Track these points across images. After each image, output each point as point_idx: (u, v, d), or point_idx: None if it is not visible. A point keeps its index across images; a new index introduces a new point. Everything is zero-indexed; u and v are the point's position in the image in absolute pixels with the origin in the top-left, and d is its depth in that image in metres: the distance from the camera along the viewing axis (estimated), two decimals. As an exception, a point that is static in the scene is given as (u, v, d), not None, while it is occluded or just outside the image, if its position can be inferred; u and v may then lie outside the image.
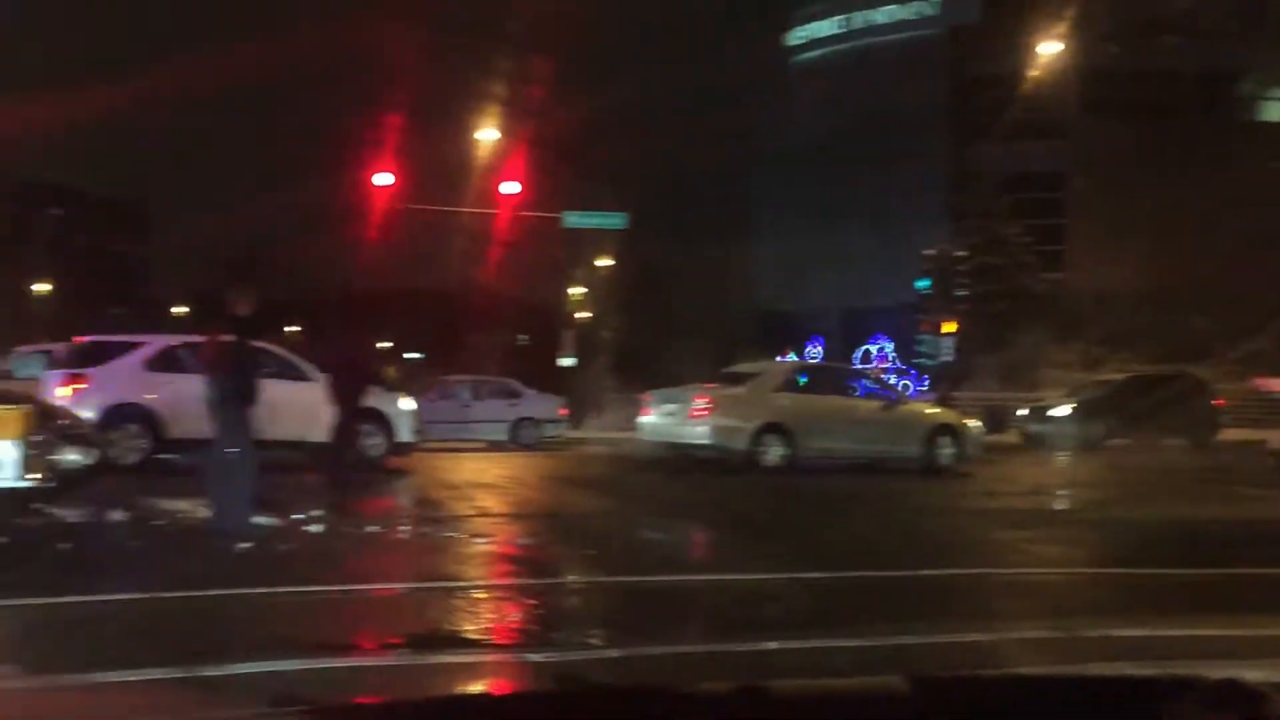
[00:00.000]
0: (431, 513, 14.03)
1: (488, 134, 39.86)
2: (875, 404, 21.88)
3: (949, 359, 36.27)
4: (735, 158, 50.63)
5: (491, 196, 37.56)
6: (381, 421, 19.56)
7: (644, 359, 43.80)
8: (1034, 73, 44.80)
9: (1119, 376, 33.39)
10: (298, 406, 18.39)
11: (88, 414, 17.16)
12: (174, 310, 71.18)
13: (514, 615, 8.43)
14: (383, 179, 34.92)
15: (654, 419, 22.21)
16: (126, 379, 18.89)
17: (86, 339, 20.61)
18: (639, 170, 44.18)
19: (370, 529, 12.09)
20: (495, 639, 7.70)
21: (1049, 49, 40.69)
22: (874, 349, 47.43)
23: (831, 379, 23.72)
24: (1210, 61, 49.26)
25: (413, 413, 20.21)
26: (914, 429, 21.65)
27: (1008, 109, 47.23)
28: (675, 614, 8.58)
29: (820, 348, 49.34)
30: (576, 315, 46.85)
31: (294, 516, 12.24)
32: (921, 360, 42.27)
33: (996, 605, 9.25)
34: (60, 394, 18.11)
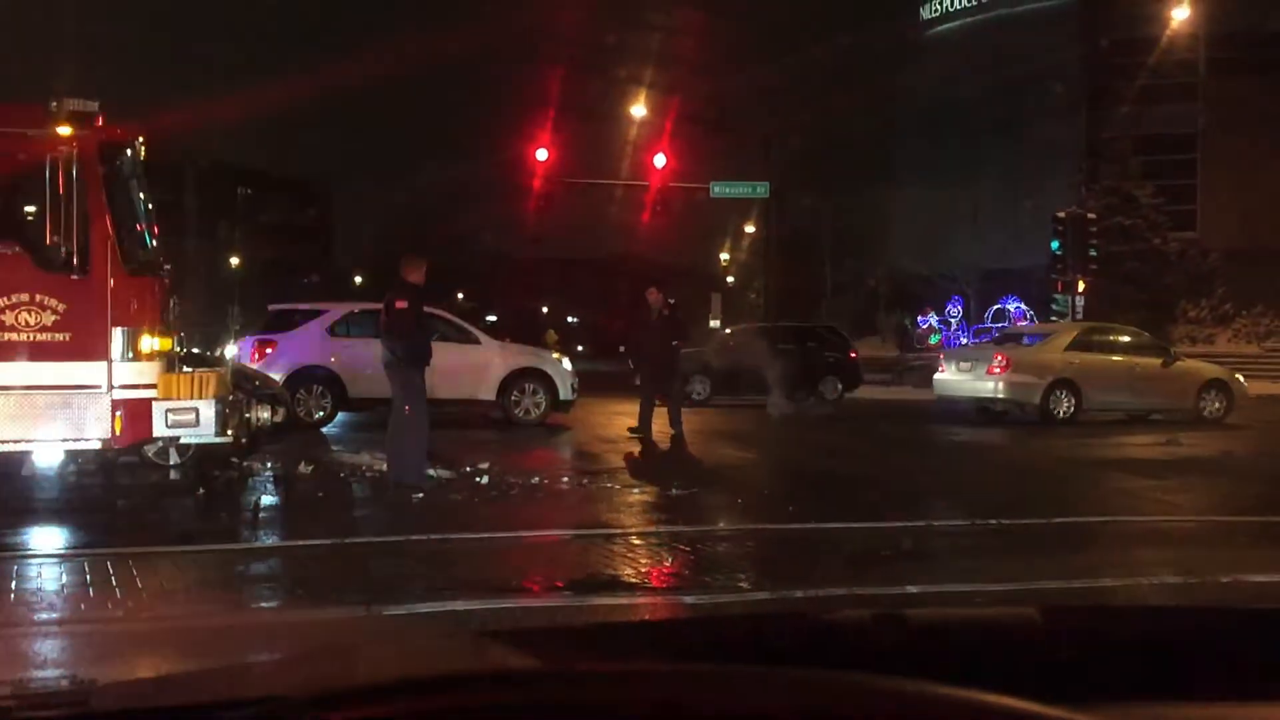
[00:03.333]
0: (591, 465, 14.11)
1: (639, 110, 39.94)
2: (1155, 361, 22.22)
3: (1080, 317, 35.45)
4: (874, 127, 49.96)
5: (643, 169, 37.62)
6: (545, 380, 19.80)
7: (788, 321, 43.58)
8: (1165, 35, 43.52)
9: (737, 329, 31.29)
10: (468, 367, 18.88)
11: (276, 375, 17.78)
12: (356, 280, 72.59)
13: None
14: (542, 154, 35.17)
15: (949, 375, 23.14)
16: (311, 343, 19.26)
17: (276, 306, 21.20)
18: (783, 141, 43.78)
19: (535, 480, 12.22)
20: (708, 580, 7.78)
21: (1180, 13, 39.46)
22: (1010, 308, 46.53)
23: (1110, 338, 23.69)
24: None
25: (571, 371, 20.40)
26: (1188, 384, 22.10)
27: (1139, 72, 46.02)
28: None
29: (959, 308, 48.57)
30: (725, 280, 46.86)
31: (465, 469, 12.46)
32: (1054, 318, 41.36)
33: None
34: (253, 359, 18.73)
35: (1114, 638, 1.68)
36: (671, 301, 17.74)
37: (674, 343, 17.57)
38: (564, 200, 38.89)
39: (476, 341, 19.72)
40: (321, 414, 18.85)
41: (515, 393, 19.46)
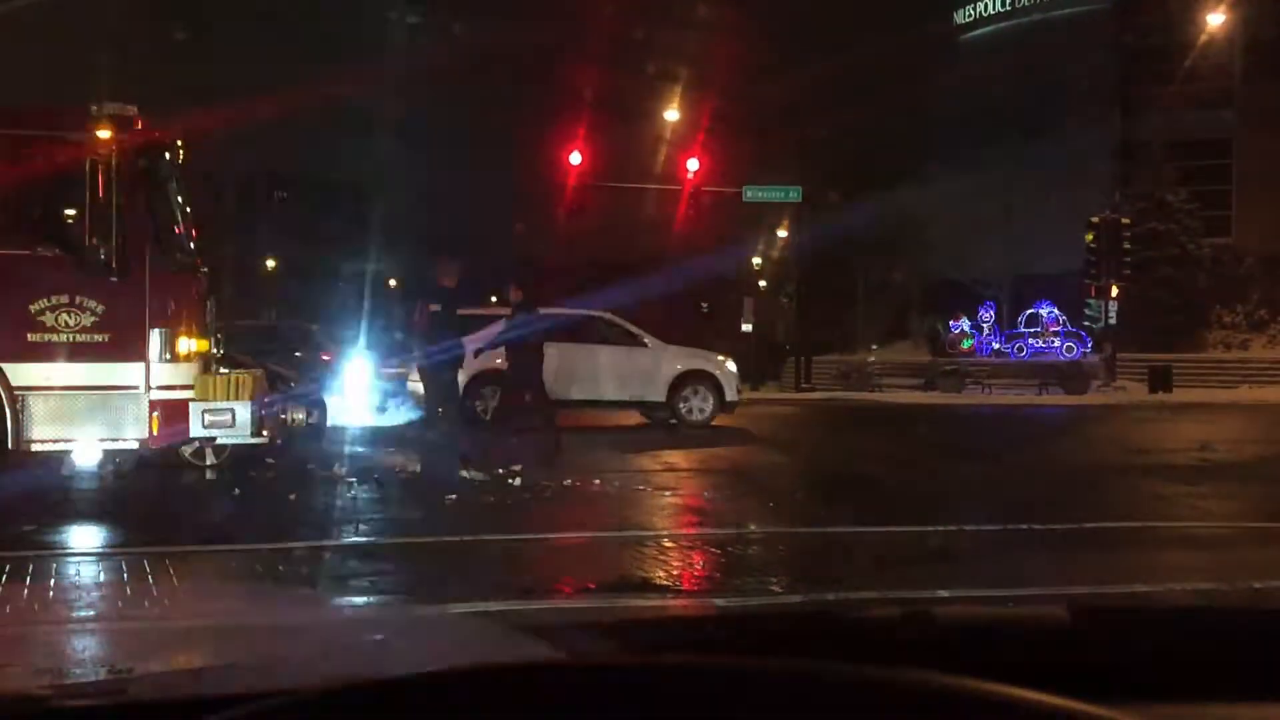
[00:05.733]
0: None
1: (671, 113, 39.97)
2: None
3: (1113, 322, 35.31)
4: (907, 132, 49.76)
5: (676, 173, 37.61)
6: (711, 382, 20.15)
7: (819, 325, 43.54)
8: (1200, 40, 43.23)
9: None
10: (637, 370, 19.75)
11: (462, 376, 18.03)
12: (390, 282, 72.64)
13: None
14: (575, 157, 35.23)
15: None
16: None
17: (465, 310, 21.87)
18: (816, 145, 43.66)
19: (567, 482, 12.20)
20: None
21: (1215, 18, 39.20)
22: (1043, 313, 46.25)
23: None
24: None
25: (736, 373, 20.82)
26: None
27: (1173, 77, 45.69)
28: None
29: (991, 313, 48.33)
30: (757, 283, 46.76)
31: (498, 471, 12.48)
32: (1087, 324, 41.11)
33: None
34: None
35: (1143, 638, 1.68)
36: (524, 299, 15.62)
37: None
38: (596, 203, 38.95)
39: (644, 344, 20.34)
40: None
41: (684, 394, 19.92)
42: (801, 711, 0.97)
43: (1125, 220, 35.38)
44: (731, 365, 20.82)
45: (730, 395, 20.14)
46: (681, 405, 19.77)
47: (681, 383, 19.86)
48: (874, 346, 47.95)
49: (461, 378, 13.75)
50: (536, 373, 14.24)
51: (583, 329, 20.02)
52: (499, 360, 15.45)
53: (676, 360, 20.32)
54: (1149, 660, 1.55)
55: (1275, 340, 42.46)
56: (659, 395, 19.68)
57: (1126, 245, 34.26)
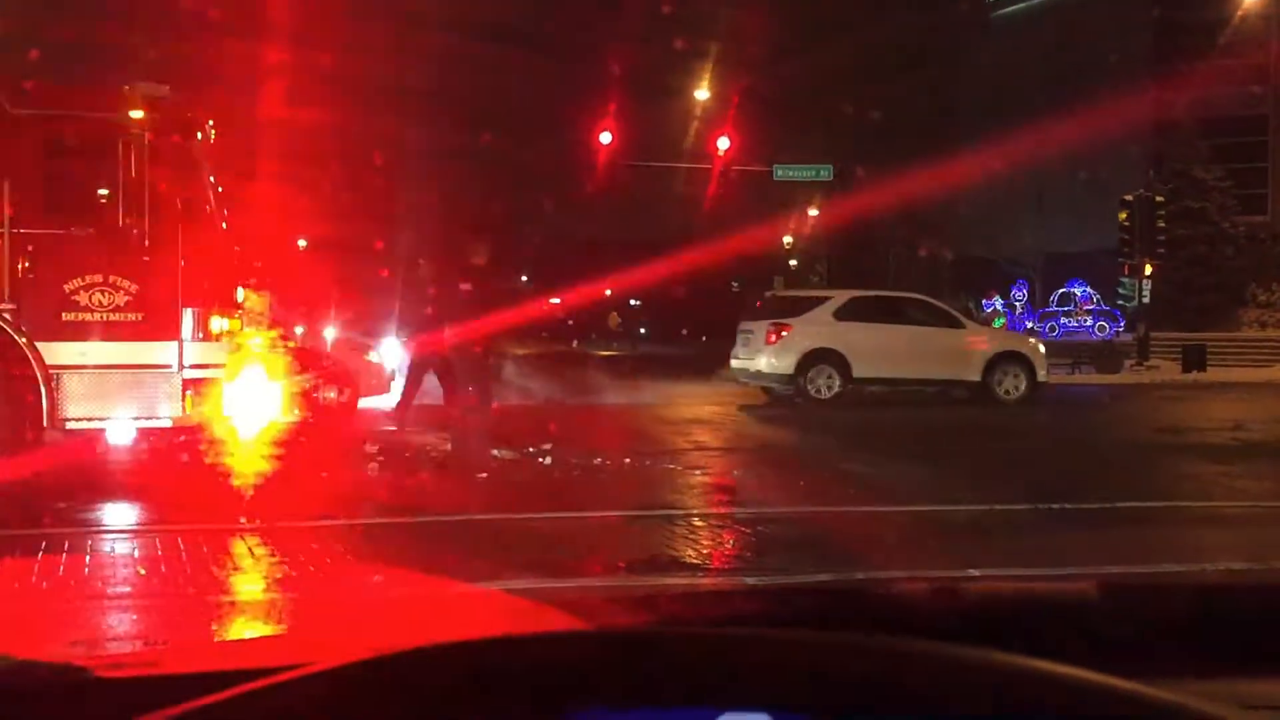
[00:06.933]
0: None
1: (702, 93, 39.87)
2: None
3: (1147, 301, 35.04)
4: (939, 110, 49.47)
5: (707, 151, 37.54)
6: (1024, 362, 21.06)
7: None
8: (1235, 16, 42.80)
9: None
10: (953, 350, 20.75)
11: (788, 358, 20.12)
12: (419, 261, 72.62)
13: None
14: (605, 137, 35.19)
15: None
16: (820, 327, 20.62)
17: (784, 293, 23.96)
18: (847, 124, 43.47)
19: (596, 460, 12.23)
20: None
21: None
22: (1076, 291, 46.02)
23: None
24: None
25: (1044, 355, 21.77)
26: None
27: (1208, 54, 45.24)
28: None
29: (1024, 291, 48.12)
30: (788, 262, 46.65)
31: (529, 449, 12.51)
32: (1121, 303, 40.86)
33: None
34: (768, 341, 20.66)
35: (1170, 613, 1.68)
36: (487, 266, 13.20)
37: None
38: (626, 182, 38.89)
39: (961, 326, 21.60)
40: (831, 393, 20.27)
41: (999, 374, 20.83)
42: (851, 683, 0.97)
43: (1159, 198, 35.06)
44: (1041, 347, 22.01)
45: (1041, 375, 21.17)
46: (996, 385, 20.81)
47: (996, 363, 20.96)
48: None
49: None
50: (484, 365, 12.61)
51: (900, 310, 21.69)
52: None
53: (993, 341, 21.90)
54: (1177, 635, 1.56)
55: (1311, 319, 42.10)
56: (975, 375, 20.77)
57: (1161, 223, 33.94)
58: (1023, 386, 20.85)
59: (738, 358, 21.85)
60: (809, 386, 20.18)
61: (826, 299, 21.96)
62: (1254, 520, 9.87)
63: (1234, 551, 8.11)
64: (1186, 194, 41.84)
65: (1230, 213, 43.26)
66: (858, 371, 20.38)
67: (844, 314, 20.96)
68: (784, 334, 20.56)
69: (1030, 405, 20.46)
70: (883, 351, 20.29)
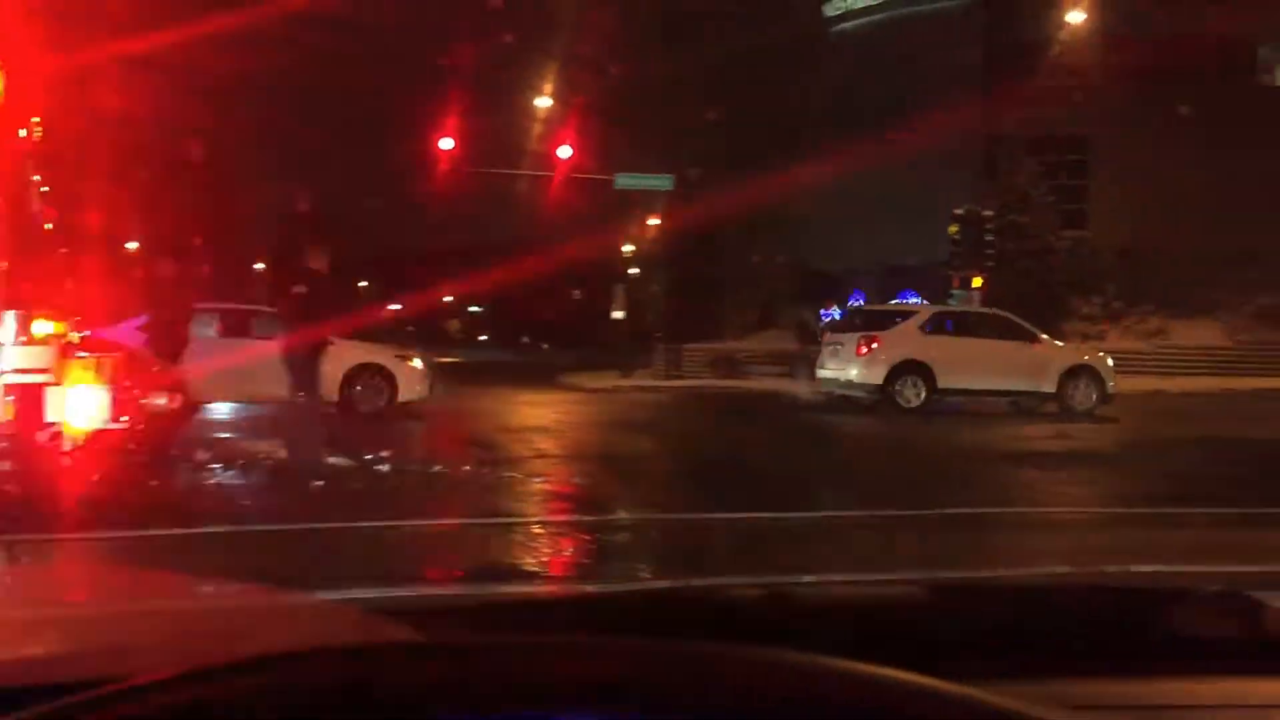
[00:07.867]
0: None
1: (544, 100, 39.84)
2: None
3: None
4: (778, 123, 50.16)
5: (548, 160, 37.47)
6: (1094, 375, 21.92)
7: (690, 313, 43.69)
8: (1061, 39, 44.25)
9: None
10: (1029, 362, 21.81)
11: (879, 369, 21.13)
12: (256, 266, 71.29)
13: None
14: (446, 143, 34.90)
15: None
16: (907, 339, 21.79)
17: (870, 307, 24.72)
18: (687, 135, 43.82)
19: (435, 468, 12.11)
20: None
21: (1074, 16, 40.16)
22: (909, 303, 47.19)
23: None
24: (1231, 26, 48.36)
25: (1112, 367, 22.44)
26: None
27: (1036, 74, 46.65)
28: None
29: (860, 302, 49.17)
30: (627, 271, 46.76)
31: (365, 457, 12.34)
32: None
33: None
34: (859, 353, 21.74)
35: (996, 614, 1.71)
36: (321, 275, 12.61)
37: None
38: (470, 189, 38.66)
39: (1036, 339, 22.58)
40: (917, 402, 21.25)
41: (1071, 386, 21.77)
42: (670, 689, 0.97)
43: (987, 213, 36.14)
44: (1110, 360, 22.85)
45: (1109, 387, 22.04)
46: (1069, 396, 21.78)
47: (1069, 375, 21.96)
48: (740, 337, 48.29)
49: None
50: (314, 370, 12.13)
51: (981, 324, 23.30)
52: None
53: (1067, 355, 22.95)
54: (1002, 635, 1.59)
55: (1130, 330, 43.68)
56: (1050, 387, 21.80)
57: (989, 237, 34.98)
58: (1094, 397, 21.83)
59: (826, 368, 23.09)
60: (897, 396, 21.31)
61: (912, 313, 23.87)
62: (1076, 525, 10.17)
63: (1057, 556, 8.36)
64: (1014, 209, 43.13)
65: (1054, 228, 44.70)
66: (942, 382, 21.54)
67: (929, 327, 22.47)
68: (874, 346, 21.72)
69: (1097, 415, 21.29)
70: (966, 363, 21.57)
